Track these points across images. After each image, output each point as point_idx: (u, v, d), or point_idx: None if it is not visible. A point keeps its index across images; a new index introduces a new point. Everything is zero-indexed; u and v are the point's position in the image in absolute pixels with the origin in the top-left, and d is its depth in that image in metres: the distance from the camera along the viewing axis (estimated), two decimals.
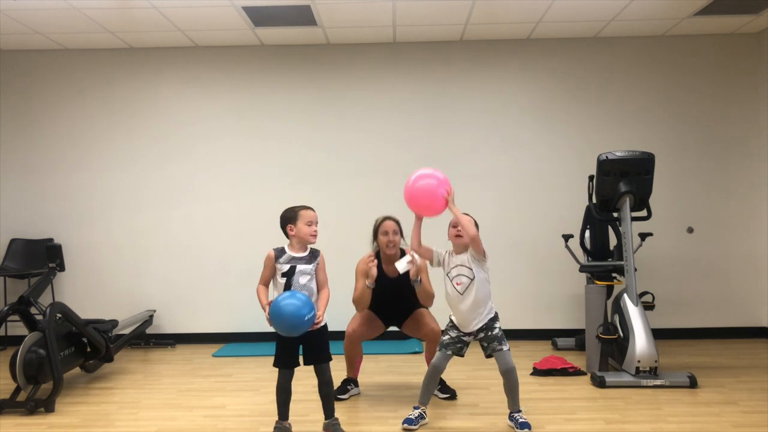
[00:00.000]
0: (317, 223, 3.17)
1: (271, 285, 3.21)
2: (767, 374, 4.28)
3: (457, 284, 3.30)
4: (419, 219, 3.31)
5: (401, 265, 3.49)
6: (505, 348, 3.31)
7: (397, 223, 3.81)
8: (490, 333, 3.31)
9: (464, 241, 3.31)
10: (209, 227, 5.67)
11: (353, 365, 3.97)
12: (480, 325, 3.31)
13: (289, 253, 3.14)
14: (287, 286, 3.09)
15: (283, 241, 3.20)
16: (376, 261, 3.65)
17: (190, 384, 4.31)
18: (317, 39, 5.51)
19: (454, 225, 3.32)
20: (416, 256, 3.48)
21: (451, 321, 3.42)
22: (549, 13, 4.94)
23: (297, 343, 3.10)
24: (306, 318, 2.91)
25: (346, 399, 3.84)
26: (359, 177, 5.64)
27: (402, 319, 3.97)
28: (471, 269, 3.29)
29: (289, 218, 3.15)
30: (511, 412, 3.34)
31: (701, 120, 5.56)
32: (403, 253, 3.75)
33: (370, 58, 5.66)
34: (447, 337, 3.39)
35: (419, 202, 3.25)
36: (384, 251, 3.80)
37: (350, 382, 3.96)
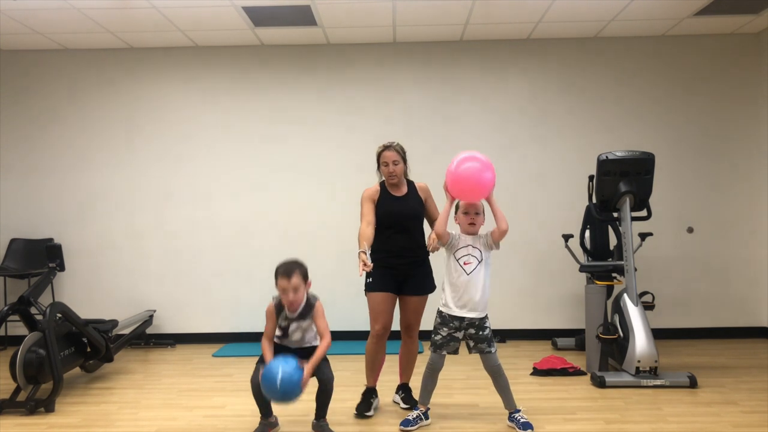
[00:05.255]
0: (292, 289, 3.08)
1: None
2: (767, 374, 4.28)
3: (465, 264, 3.24)
4: (452, 201, 3.27)
5: None
6: (492, 350, 3.29)
7: (398, 151, 3.60)
8: (480, 333, 3.27)
9: (476, 230, 3.31)
10: (209, 227, 5.67)
11: (375, 369, 3.65)
12: (475, 315, 3.25)
13: (285, 311, 3.17)
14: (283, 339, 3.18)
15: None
16: (370, 268, 3.26)
17: (190, 384, 4.32)
18: (317, 39, 5.51)
19: (466, 212, 3.28)
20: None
21: (441, 313, 3.32)
22: (549, 13, 4.94)
23: (292, 354, 3.10)
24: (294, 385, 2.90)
25: (372, 416, 3.55)
26: (359, 176, 5.62)
27: (411, 266, 3.59)
28: (480, 251, 3.27)
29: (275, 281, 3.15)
30: (510, 413, 3.32)
31: (701, 120, 5.56)
32: (409, 183, 3.67)
33: (370, 58, 5.66)
34: (439, 336, 3.33)
35: (463, 187, 3.13)
36: (387, 180, 3.65)
37: (372, 394, 3.65)
